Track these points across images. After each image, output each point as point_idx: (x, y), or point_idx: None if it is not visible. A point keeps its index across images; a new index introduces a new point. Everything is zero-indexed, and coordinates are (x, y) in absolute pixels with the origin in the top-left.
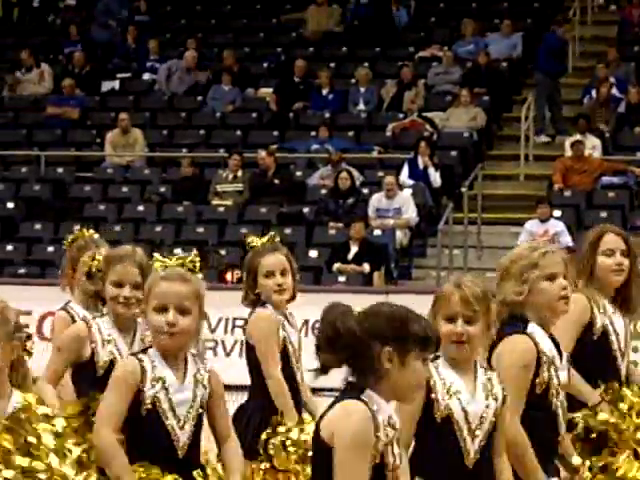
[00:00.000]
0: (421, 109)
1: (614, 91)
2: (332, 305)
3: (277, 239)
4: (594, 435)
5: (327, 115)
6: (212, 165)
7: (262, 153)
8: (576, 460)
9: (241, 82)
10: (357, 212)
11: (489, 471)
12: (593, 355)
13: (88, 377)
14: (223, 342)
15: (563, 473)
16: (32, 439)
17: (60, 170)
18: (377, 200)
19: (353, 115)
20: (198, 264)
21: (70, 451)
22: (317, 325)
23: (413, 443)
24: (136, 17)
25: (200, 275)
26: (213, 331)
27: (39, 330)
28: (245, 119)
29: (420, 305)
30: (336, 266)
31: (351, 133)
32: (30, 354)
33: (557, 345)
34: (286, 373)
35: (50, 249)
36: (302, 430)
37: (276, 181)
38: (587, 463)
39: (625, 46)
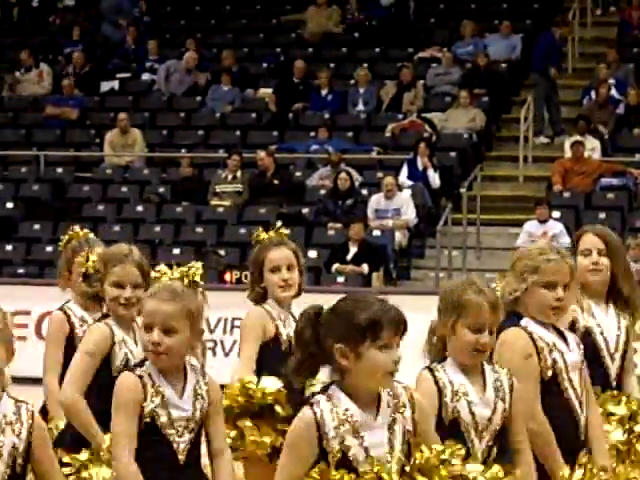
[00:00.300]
0: (420, 110)
1: (613, 93)
2: (303, 310)
3: (286, 233)
4: None
5: (326, 116)
6: (211, 165)
7: (261, 154)
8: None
9: (240, 82)
10: (356, 213)
11: None
12: None
13: (105, 379)
14: (222, 342)
15: None
16: None
17: (59, 170)
18: (376, 201)
19: (352, 116)
20: (198, 274)
21: None
22: None
23: None
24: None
25: (199, 288)
26: (212, 331)
27: (38, 330)
28: (244, 119)
29: (419, 306)
30: (335, 267)
31: (350, 134)
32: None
33: (560, 331)
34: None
35: (49, 249)
36: None
37: (275, 182)
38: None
39: (625, 48)
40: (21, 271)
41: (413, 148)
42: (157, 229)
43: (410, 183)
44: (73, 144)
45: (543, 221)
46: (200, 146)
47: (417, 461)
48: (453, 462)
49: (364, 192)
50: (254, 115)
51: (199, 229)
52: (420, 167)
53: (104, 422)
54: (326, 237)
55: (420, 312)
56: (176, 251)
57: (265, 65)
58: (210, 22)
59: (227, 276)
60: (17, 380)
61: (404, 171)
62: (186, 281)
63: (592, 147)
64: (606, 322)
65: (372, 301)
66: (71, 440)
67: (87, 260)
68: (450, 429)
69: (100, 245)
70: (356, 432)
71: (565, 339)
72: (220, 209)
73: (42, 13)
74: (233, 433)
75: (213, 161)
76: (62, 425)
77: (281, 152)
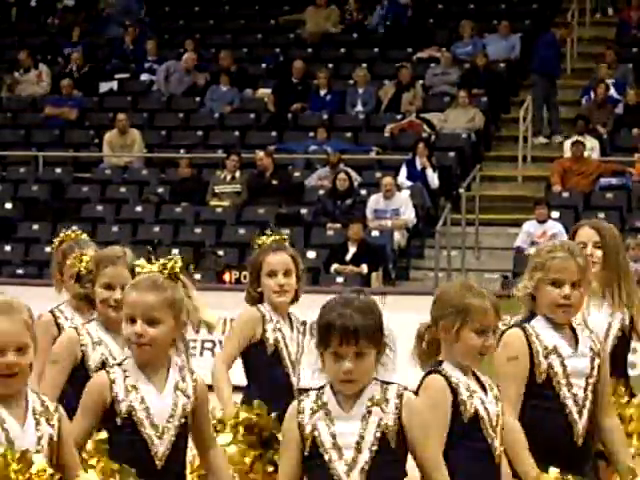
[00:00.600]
0: (419, 110)
1: (612, 92)
2: None
3: (286, 238)
4: None
5: (325, 116)
6: (210, 166)
7: (260, 154)
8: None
9: (239, 83)
10: (355, 213)
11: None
12: None
13: (79, 380)
14: (221, 342)
15: None
16: None
17: (58, 170)
18: (375, 201)
19: (351, 116)
20: (178, 270)
21: None
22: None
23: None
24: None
25: (181, 281)
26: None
27: None
28: (243, 120)
29: (418, 306)
30: (334, 267)
31: (349, 134)
32: None
33: (575, 333)
34: (278, 375)
35: (48, 249)
36: None
37: (274, 182)
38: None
39: (623, 48)
40: (20, 271)
41: (412, 148)
42: (156, 229)
43: (409, 183)
44: (72, 144)
45: (542, 221)
46: (199, 146)
47: None
48: None
49: (363, 192)
50: (253, 115)
51: (198, 229)
52: (419, 167)
53: None
54: (325, 237)
55: (419, 312)
56: (175, 251)
57: (264, 65)
58: (209, 22)
59: (226, 276)
60: None
61: (403, 171)
62: (166, 273)
63: (591, 147)
64: (596, 316)
65: (334, 305)
66: None
67: (81, 261)
68: (470, 427)
69: (92, 246)
70: (329, 420)
71: (577, 342)
72: (219, 209)
73: (41, 13)
74: None
75: (212, 161)
76: None
77: (280, 152)
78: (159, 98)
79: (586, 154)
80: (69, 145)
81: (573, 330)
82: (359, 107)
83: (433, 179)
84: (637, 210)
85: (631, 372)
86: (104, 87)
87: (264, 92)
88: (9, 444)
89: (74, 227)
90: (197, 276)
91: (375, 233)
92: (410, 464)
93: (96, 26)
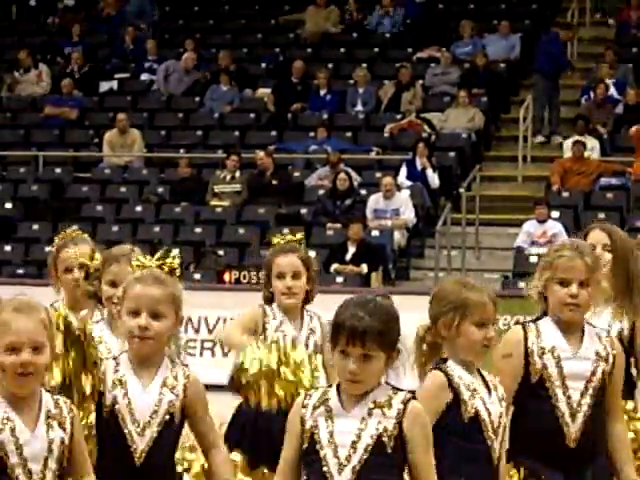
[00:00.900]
0: (419, 110)
1: (612, 92)
2: None
3: (300, 239)
4: None
5: (325, 116)
6: (210, 166)
7: (260, 154)
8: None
9: (239, 83)
10: (355, 213)
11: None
12: None
13: None
14: (221, 342)
15: None
16: None
17: (58, 170)
18: (375, 201)
19: (351, 116)
20: (177, 267)
21: None
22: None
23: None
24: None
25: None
26: (211, 331)
27: None
28: (243, 120)
29: (418, 306)
30: (334, 267)
31: (349, 134)
32: None
33: (582, 337)
34: None
35: (48, 249)
36: None
37: (274, 182)
38: None
39: (623, 48)
40: (20, 271)
41: (412, 148)
42: (156, 229)
43: (409, 183)
44: (72, 144)
45: (542, 221)
46: (199, 146)
47: None
48: None
49: (363, 192)
50: (253, 115)
51: (198, 229)
52: (419, 167)
53: None
54: (325, 237)
55: (419, 312)
56: (175, 252)
57: (264, 65)
58: (209, 22)
59: (226, 276)
60: None
61: (403, 171)
62: (166, 269)
63: (591, 147)
64: (595, 324)
65: (349, 305)
66: None
67: (92, 259)
68: (469, 427)
69: (87, 243)
70: (329, 417)
71: (581, 344)
72: (219, 209)
73: (41, 13)
74: None
75: (212, 161)
76: None
77: (280, 152)
78: (159, 98)
79: (586, 154)
80: (69, 145)
81: (583, 332)
82: (359, 107)
83: (433, 179)
84: (636, 210)
85: None
86: (104, 87)
87: (264, 92)
88: (17, 451)
89: (74, 227)
90: (197, 276)
91: (375, 233)
92: None
93: (96, 26)
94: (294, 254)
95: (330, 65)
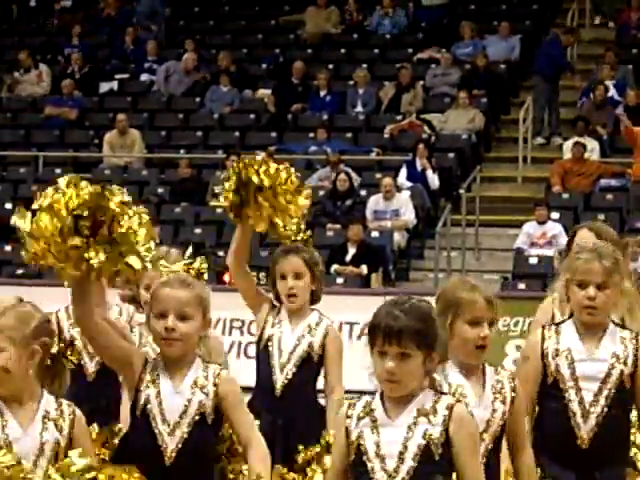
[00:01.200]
0: (419, 111)
1: (613, 94)
2: None
3: (306, 238)
4: None
5: (325, 117)
6: (210, 166)
7: (260, 154)
8: None
9: (239, 83)
10: (355, 214)
11: (492, 474)
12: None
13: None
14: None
15: None
16: None
17: (58, 171)
18: (375, 202)
19: (351, 117)
20: (205, 270)
21: None
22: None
23: None
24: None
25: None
26: None
27: None
28: (243, 120)
29: None
30: (334, 268)
31: (349, 135)
32: (68, 361)
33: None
34: (263, 371)
35: None
36: None
37: None
38: None
39: (623, 49)
40: (20, 272)
41: (412, 149)
42: (156, 229)
43: (409, 184)
44: (72, 145)
45: (542, 222)
46: (199, 147)
47: None
48: None
49: (363, 193)
50: (253, 116)
51: (198, 230)
52: (419, 168)
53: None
54: (325, 238)
55: None
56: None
57: (264, 66)
58: (209, 23)
59: (226, 277)
60: None
61: (403, 172)
62: (193, 273)
63: (591, 148)
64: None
65: (385, 306)
66: None
67: None
68: None
69: None
70: (374, 427)
71: (599, 346)
72: (219, 210)
73: (41, 13)
74: None
75: (212, 162)
76: None
77: (280, 153)
78: (159, 98)
79: (586, 155)
80: (69, 145)
81: (604, 333)
82: (359, 108)
83: (433, 180)
84: (636, 211)
85: None
86: (104, 87)
87: (264, 93)
88: (7, 447)
89: None
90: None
91: (375, 234)
92: None
93: (96, 26)
94: (295, 254)
95: (330, 66)
